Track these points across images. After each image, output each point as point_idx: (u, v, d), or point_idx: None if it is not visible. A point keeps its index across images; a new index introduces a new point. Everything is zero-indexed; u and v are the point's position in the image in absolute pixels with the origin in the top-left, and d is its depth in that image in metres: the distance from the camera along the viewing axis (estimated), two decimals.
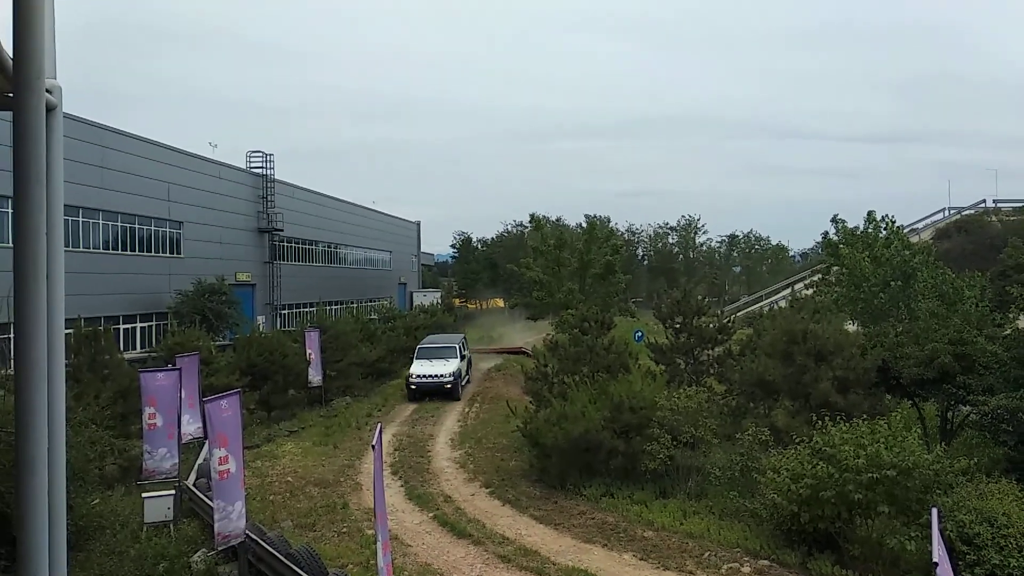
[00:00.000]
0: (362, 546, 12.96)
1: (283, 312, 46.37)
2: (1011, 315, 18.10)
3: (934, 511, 5.10)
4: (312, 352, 25.44)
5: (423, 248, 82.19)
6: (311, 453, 20.30)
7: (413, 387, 27.71)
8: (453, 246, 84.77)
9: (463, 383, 29.37)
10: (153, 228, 35.76)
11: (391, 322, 38.54)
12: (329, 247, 55.91)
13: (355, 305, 50.62)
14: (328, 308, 38.34)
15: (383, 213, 68.38)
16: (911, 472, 11.40)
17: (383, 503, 6.36)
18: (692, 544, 13.10)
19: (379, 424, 7.28)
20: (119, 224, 33.54)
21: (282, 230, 45.87)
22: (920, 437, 13.30)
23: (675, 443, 16.00)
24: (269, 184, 45.09)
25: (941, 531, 6.52)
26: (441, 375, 27.88)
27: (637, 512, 14.81)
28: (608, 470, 16.49)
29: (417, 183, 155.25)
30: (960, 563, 10.61)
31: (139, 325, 33.95)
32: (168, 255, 36.73)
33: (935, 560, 4.67)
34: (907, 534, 11.49)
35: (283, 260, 47.26)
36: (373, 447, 6.52)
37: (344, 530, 14.15)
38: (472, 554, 12.99)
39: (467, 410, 26.19)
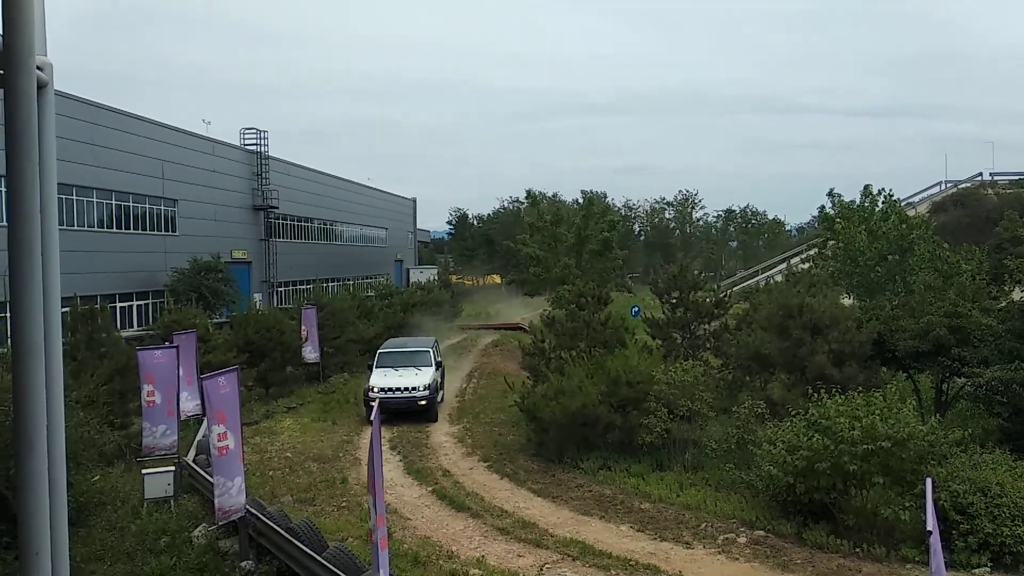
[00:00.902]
0: (361, 520, 13.05)
1: (280, 289, 46.36)
2: (1006, 288, 18.17)
3: (928, 481, 5.15)
4: (309, 329, 25.46)
5: (419, 225, 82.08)
6: (310, 429, 20.39)
7: (373, 404, 21.33)
8: (449, 223, 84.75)
9: (439, 400, 22.44)
10: (147, 206, 35.63)
11: (388, 299, 38.53)
12: (325, 224, 55.77)
13: (352, 282, 50.57)
14: (325, 285, 38.34)
15: (379, 190, 68.15)
16: (906, 443, 11.50)
17: (380, 475, 6.40)
18: (689, 515, 13.23)
19: (377, 398, 7.32)
20: (113, 202, 33.38)
21: (277, 207, 45.72)
22: (915, 409, 13.43)
23: (672, 417, 16.10)
24: (264, 161, 44.87)
25: (935, 501, 6.59)
26: (412, 388, 20.87)
27: (634, 485, 14.93)
28: (605, 444, 16.60)
29: (413, 162, 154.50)
30: (954, 532, 10.76)
31: (135, 303, 33.93)
32: (163, 233, 36.61)
33: (929, 528, 4.73)
34: (901, 504, 11.62)
35: (279, 237, 47.16)
36: (371, 421, 6.55)
37: (343, 504, 14.25)
38: (471, 527, 13.11)
39: (464, 386, 26.28)
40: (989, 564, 10.73)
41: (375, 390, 20.67)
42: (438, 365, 22.55)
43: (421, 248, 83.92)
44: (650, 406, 16.16)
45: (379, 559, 6.35)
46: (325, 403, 23.30)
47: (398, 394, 20.65)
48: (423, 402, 20.91)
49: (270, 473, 16.37)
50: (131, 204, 34.45)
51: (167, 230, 36.92)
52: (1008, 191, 58.51)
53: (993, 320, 15.66)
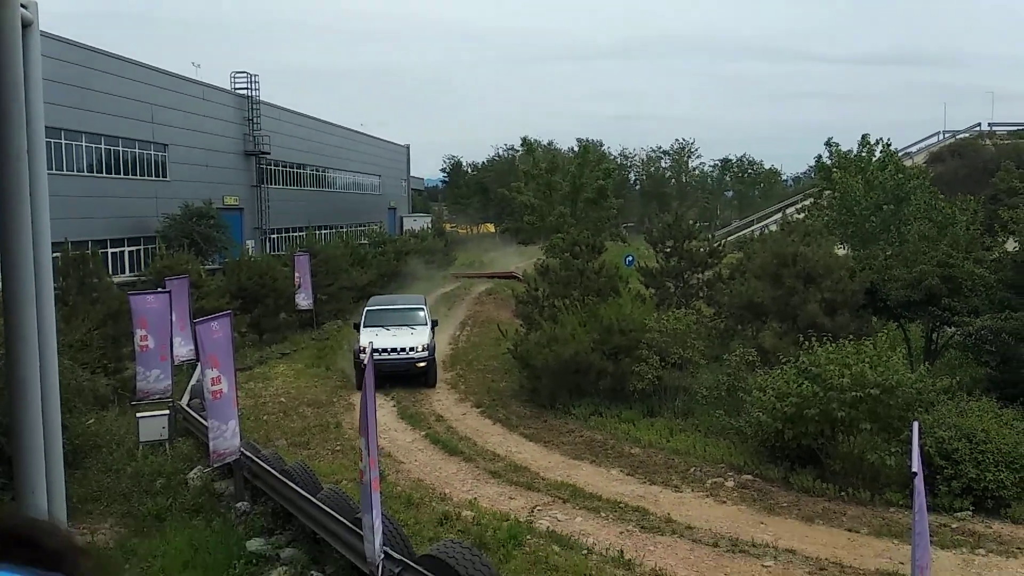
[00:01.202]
0: (356, 463, 13.19)
1: (272, 236, 46.10)
2: (1000, 239, 18.18)
3: (915, 425, 5.20)
4: (302, 276, 25.41)
5: (413, 172, 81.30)
6: (304, 375, 20.51)
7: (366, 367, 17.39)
8: (443, 170, 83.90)
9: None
10: (137, 151, 35.14)
11: (381, 247, 38.43)
12: (317, 171, 55.23)
13: (344, 229, 50.30)
14: (317, 232, 38.16)
15: (372, 136, 67.36)
16: (894, 391, 11.61)
17: (373, 417, 6.44)
18: (678, 460, 13.42)
19: (371, 343, 7.33)
20: (103, 147, 32.92)
21: (269, 153, 45.19)
22: (904, 357, 13.53)
23: (663, 364, 16.23)
24: (255, 106, 44.18)
25: (920, 445, 6.68)
26: (410, 349, 18.82)
27: (625, 430, 15.11)
28: (597, 390, 16.75)
29: (407, 107, 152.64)
30: (938, 477, 10.94)
31: (127, 249, 33.74)
32: (154, 178, 36.21)
33: (914, 470, 4.79)
34: (887, 450, 11.81)
35: (271, 184, 46.73)
36: (363, 365, 6.55)
37: (338, 448, 14.41)
38: (463, 470, 13.28)
39: (458, 333, 26.38)
40: (971, 508, 10.94)
41: (366, 351, 17.99)
42: (433, 325, 20.39)
43: (415, 196, 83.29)
44: (642, 354, 16.27)
45: (370, 500, 6.42)
46: (319, 349, 23.39)
47: (394, 356, 18.44)
48: (422, 364, 18.83)
49: (264, 417, 16.51)
50: (121, 149, 33.98)
51: (158, 175, 36.51)
52: (1006, 142, 58.16)
53: (985, 270, 15.70)
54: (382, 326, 19.51)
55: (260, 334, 24.19)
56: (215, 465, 10.98)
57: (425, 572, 6.80)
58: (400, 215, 70.80)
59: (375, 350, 16.71)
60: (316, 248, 29.10)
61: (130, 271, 32.35)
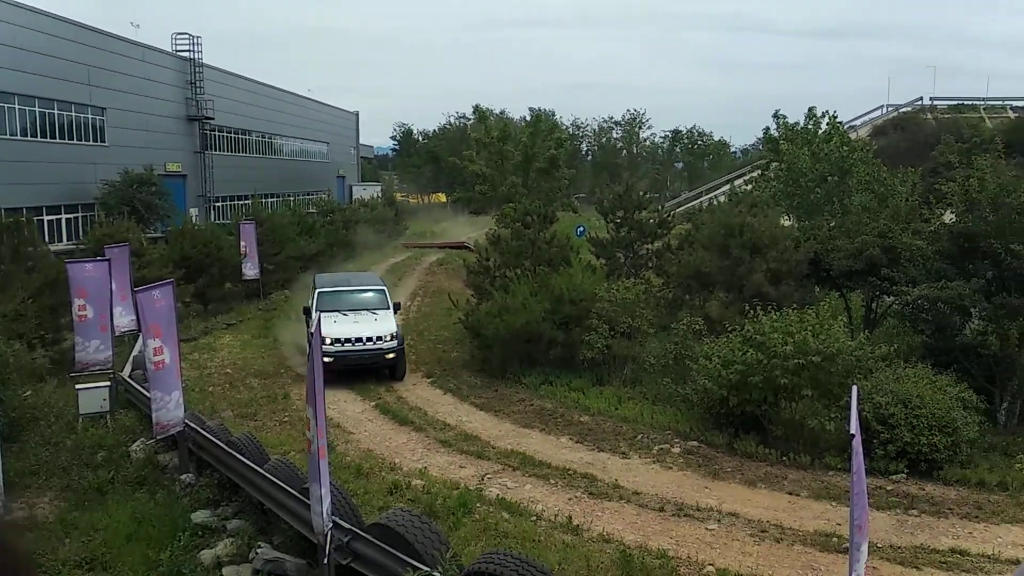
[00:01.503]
0: (303, 433, 13.09)
1: (217, 204, 45.04)
2: (938, 211, 18.68)
3: (854, 388, 5.34)
4: (248, 245, 24.91)
5: (362, 140, 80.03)
6: (250, 346, 20.19)
7: (329, 360, 15.12)
8: (394, 138, 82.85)
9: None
10: (74, 114, 33.86)
11: (330, 216, 37.84)
12: (264, 137, 53.98)
13: (292, 198, 49.40)
14: (264, 201, 37.39)
15: (320, 103, 65.98)
16: (835, 358, 11.94)
17: (321, 387, 6.36)
18: (626, 427, 13.62)
19: (319, 314, 7.21)
20: (37, 109, 31.62)
21: (213, 118, 43.98)
22: (845, 325, 13.88)
23: (613, 333, 16.40)
24: (197, 69, 42.86)
25: (859, 410, 6.87)
26: (378, 339, 16.62)
27: (575, 399, 15.27)
28: (548, 360, 16.86)
29: (355, 72, 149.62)
30: (875, 441, 11.31)
31: (64, 216, 32.62)
32: (91, 143, 34.96)
33: (852, 432, 4.92)
34: (827, 416, 12.16)
35: (215, 150, 45.55)
36: (311, 334, 6.45)
37: (285, 419, 14.25)
38: (414, 440, 13.28)
39: (409, 304, 26.21)
40: (906, 471, 11.37)
41: (327, 342, 15.96)
42: (396, 308, 18.22)
43: (364, 164, 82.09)
44: (592, 323, 16.42)
45: (318, 470, 6.36)
46: (266, 320, 23.04)
47: (359, 346, 16.42)
48: (391, 355, 16.65)
49: (210, 389, 16.23)
50: (56, 112, 32.67)
51: (96, 140, 35.24)
52: (946, 116, 59.70)
53: (923, 242, 16.13)
54: (338, 311, 17.18)
55: (205, 304, 23.70)
56: (158, 437, 10.76)
57: (374, 540, 6.79)
58: (349, 184, 69.75)
59: (336, 340, 16.14)
60: (263, 217, 28.50)
61: (68, 239, 31.32)
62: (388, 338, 16.75)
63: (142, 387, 12.89)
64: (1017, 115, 56.89)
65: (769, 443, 12.26)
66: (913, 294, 14.89)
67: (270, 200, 44.92)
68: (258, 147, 53.23)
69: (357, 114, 75.99)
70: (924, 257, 15.80)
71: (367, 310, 17.55)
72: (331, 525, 6.74)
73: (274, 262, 26.95)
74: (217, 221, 38.16)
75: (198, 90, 42.84)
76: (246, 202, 39.44)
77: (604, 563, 8.30)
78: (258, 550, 8.17)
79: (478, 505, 10.02)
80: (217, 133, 46.10)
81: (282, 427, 13.85)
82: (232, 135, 48.74)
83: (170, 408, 10.42)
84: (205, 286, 23.43)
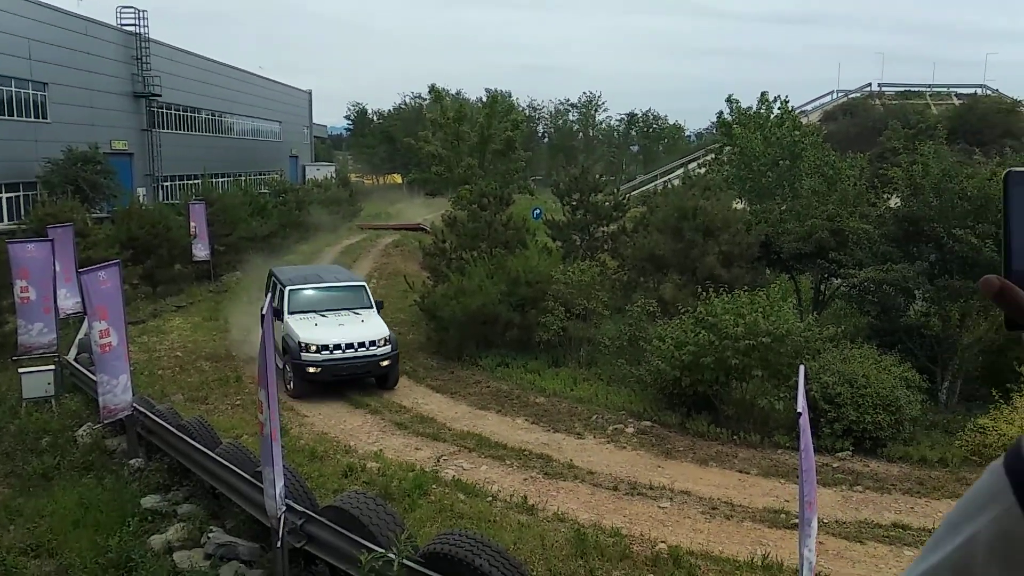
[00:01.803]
0: (256, 416, 12.94)
1: (165, 184, 43.91)
2: (884, 195, 19.14)
3: (801, 368, 5.46)
4: (198, 226, 24.38)
5: (316, 120, 78.71)
6: (201, 328, 19.82)
7: (315, 370, 14.09)
8: (348, 118, 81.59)
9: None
10: (14, 89, 32.60)
11: (282, 196, 37.20)
12: (213, 115, 52.72)
13: (243, 178, 48.40)
14: (214, 180, 36.59)
15: (272, 80, 64.63)
16: (784, 339, 12.19)
17: (272, 368, 6.28)
18: (581, 408, 13.75)
19: (268, 296, 7.10)
20: None
21: (160, 95, 42.75)
22: (794, 307, 14.20)
23: (568, 315, 16.50)
24: (144, 44, 41.56)
25: (806, 389, 7.04)
26: (370, 343, 14.51)
27: (530, 380, 15.35)
28: (504, 342, 16.90)
29: (308, 51, 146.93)
30: (822, 420, 11.61)
31: (4, 195, 31.52)
32: (33, 119, 33.74)
33: (799, 410, 5.04)
34: (777, 395, 12.44)
35: (163, 128, 44.35)
36: (262, 315, 6.36)
37: (238, 402, 14.05)
38: (369, 422, 13.22)
39: None
40: (851, 448, 11.71)
41: (312, 348, 14.06)
42: (379, 306, 15.90)
43: (318, 144, 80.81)
44: (548, 305, 16.50)
45: (271, 453, 6.30)
46: (217, 302, 22.63)
47: (350, 353, 14.19)
48: (386, 362, 14.57)
49: (159, 372, 15.92)
50: None
51: (37, 116, 34.02)
52: (894, 102, 61.04)
53: (870, 225, 16.53)
54: (316, 311, 15.11)
55: (153, 286, 23.17)
56: (106, 421, 10.53)
57: (328, 523, 6.76)
58: (302, 164, 68.64)
59: (322, 346, 14.04)
60: (213, 197, 27.89)
61: (8, 219, 30.27)
62: (382, 342, 14.59)
63: (88, 370, 12.57)
64: (961, 102, 58.41)
65: (720, 422, 12.50)
66: (860, 276, 15.26)
67: (221, 180, 43.95)
68: (208, 125, 52.00)
69: (310, 93, 74.64)
70: (871, 240, 16.19)
71: (347, 310, 15.39)
72: (284, 508, 6.69)
73: (225, 243, 26.45)
74: (166, 201, 37.18)
75: (145, 66, 41.59)
76: (196, 182, 38.46)
77: (558, 541, 8.40)
78: (210, 534, 8.07)
79: (434, 487, 10.04)
80: (165, 111, 44.88)
81: (234, 410, 13.66)
82: (181, 113, 47.51)
83: (117, 392, 10.20)
84: (153, 267, 22.91)
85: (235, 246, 27.05)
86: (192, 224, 24.33)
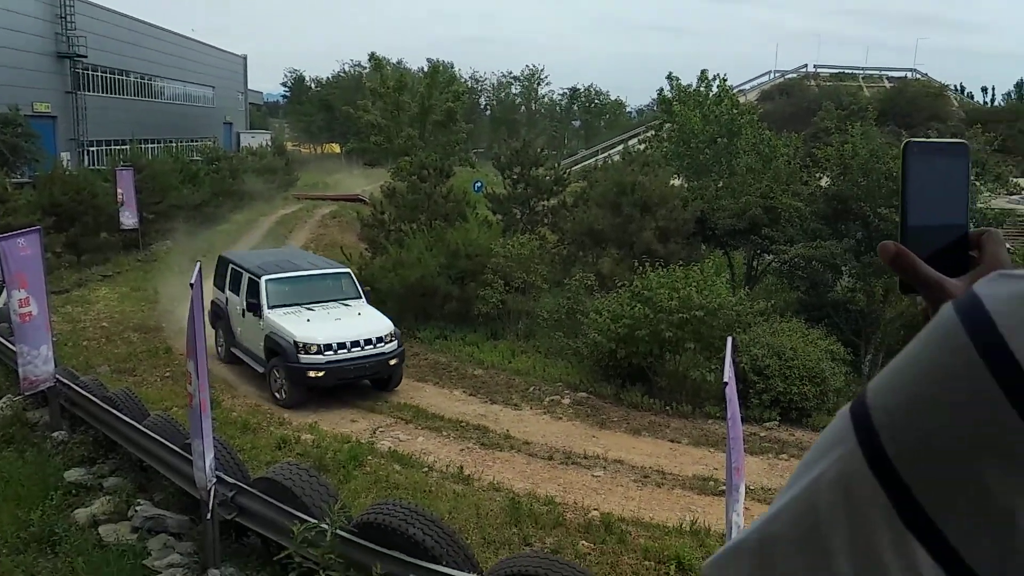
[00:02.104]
0: (185, 388, 12.66)
1: (91, 149, 42.18)
2: (816, 174, 19.67)
3: (729, 340, 5.61)
4: (125, 193, 23.53)
5: (251, 86, 76.48)
6: (129, 298, 19.22)
7: (318, 375, 12.23)
8: (284, 85, 79.56)
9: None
10: None
11: (216, 163, 36.15)
12: (143, 79, 50.74)
13: (175, 144, 46.84)
14: (143, 146, 35.28)
15: (205, 44, 62.46)
16: (716, 313, 12.49)
17: (202, 339, 6.14)
18: (519, 380, 13.86)
19: (199, 262, 6.91)
20: None
21: (86, 56, 40.92)
22: (727, 282, 14.53)
23: (508, 288, 16.56)
24: (68, 2, 39.63)
25: (737, 362, 7.23)
26: (378, 340, 12.76)
27: (469, 352, 15.38)
28: (443, 314, 16.87)
29: (244, 14, 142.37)
30: (751, 391, 11.96)
31: None
32: None
33: (725, 380, 5.17)
34: (708, 367, 12.74)
35: (89, 91, 42.50)
36: (191, 285, 6.19)
37: (167, 374, 13.70)
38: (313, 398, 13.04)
39: None
40: (778, 418, 12.11)
41: (312, 349, 12.19)
42: (368, 295, 14.21)
43: (253, 111, 78.57)
44: (487, 278, 16.51)
45: (200, 425, 6.17)
46: (147, 272, 21.95)
47: (356, 352, 12.42)
48: (394, 361, 12.94)
49: (84, 343, 15.40)
50: None
51: None
52: (828, 83, 62.49)
53: (801, 203, 16.99)
54: (299, 304, 13.18)
55: (78, 255, 22.32)
56: (26, 393, 10.14)
57: (260, 495, 6.68)
58: (237, 131, 66.68)
59: (325, 346, 12.20)
60: (142, 163, 26.90)
61: None
62: (388, 338, 12.87)
63: (7, 341, 12.07)
64: (892, 85, 60.19)
65: (654, 393, 12.76)
66: (790, 253, 15.70)
67: (150, 146, 42.35)
68: (137, 89, 50.03)
69: (245, 58, 72.41)
70: (801, 218, 16.65)
71: (335, 301, 13.57)
72: (215, 480, 6.58)
73: (155, 211, 25.59)
74: (92, 167, 35.74)
75: (69, 25, 39.70)
76: (124, 147, 37.09)
77: (493, 510, 8.48)
78: (137, 507, 7.88)
79: (370, 458, 10.00)
80: (91, 73, 42.97)
81: (164, 382, 13.32)
82: (108, 75, 45.56)
83: (39, 363, 9.83)
84: (78, 235, 22.04)
85: (165, 214, 26.21)
86: (119, 191, 23.47)
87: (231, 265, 14.54)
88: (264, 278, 13.29)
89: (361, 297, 13.94)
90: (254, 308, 13.13)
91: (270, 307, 12.98)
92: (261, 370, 13.07)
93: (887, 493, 0.35)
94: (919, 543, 0.34)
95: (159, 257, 23.86)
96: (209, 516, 6.51)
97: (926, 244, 0.68)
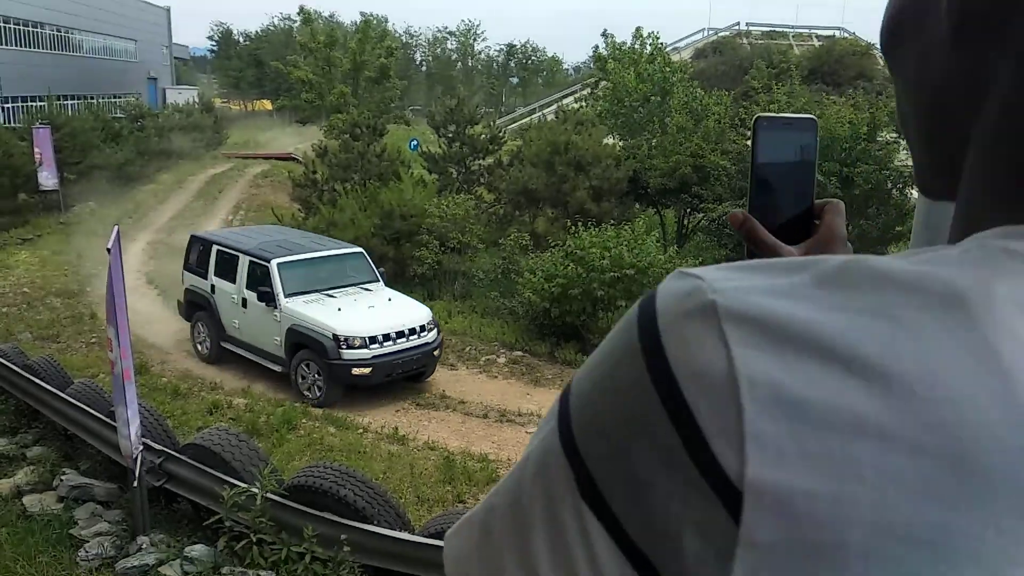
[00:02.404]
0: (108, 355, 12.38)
1: (5, 106, 40.10)
2: (745, 133, 20.05)
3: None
4: (43, 152, 22.55)
5: (176, 40, 73.42)
6: (51, 263, 18.56)
7: (364, 371, 10.90)
8: (211, 39, 76.65)
9: None
10: None
11: (140, 121, 34.82)
12: (59, 31, 48.20)
13: (95, 101, 44.83)
14: (61, 103, 33.71)
15: None
16: (647, 271, 12.76)
17: (123, 304, 6.03)
18: (455, 340, 13.94)
19: (116, 226, 6.72)
20: None
21: None
22: (658, 240, 14.81)
23: (443, 249, 16.54)
24: None
25: None
26: (420, 330, 11.59)
27: None
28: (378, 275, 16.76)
29: None
30: None
31: None
32: None
33: None
34: None
35: (1, 45, 40.24)
36: (108, 250, 6.05)
37: (93, 340, 13.35)
38: (235, 359, 12.87)
39: (231, 219, 24.96)
40: None
41: (356, 343, 10.91)
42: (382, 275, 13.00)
43: (179, 66, 75.60)
44: (423, 239, 16.47)
45: (124, 392, 6.09)
46: (69, 235, 21.17)
47: (402, 344, 11.22)
48: (437, 351, 11.85)
49: (4, 310, 14.88)
50: None
51: None
52: (760, 41, 63.22)
53: (729, 162, 17.34)
54: (319, 291, 11.83)
55: None
56: None
57: (188, 460, 6.66)
58: (162, 87, 64.11)
59: (371, 339, 10.92)
60: (60, 121, 25.75)
61: None
62: (429, 326, 11.72)
63: None
64: (821, 44, 61.26)
65: (587, 351, 13.00)
66: (718, 211, 16.06)
67: (69, 103, 40.48)
68: (52, 42, 47.53)
69: (168, 10, 69.26)
70: (729, 176, 17.01)
71: (355, 286, 12.27)
72: (141, 447, 6.52)
73: (76, 171, 24.60)
74: (6, 124, 34.02)
75: None
76: (41, 104, 35.37)
77: (427, 469, 8.62)
78: (63, 477, 7.76)
79: (303, 421, 10.01)
80: (3, 25, 40.65)
81: (89, 349, 13.00)
82: (20, 27, 43.14)
83: None
84: None
85: (87, 175, 25.21)
86: (37, 150, 22.49)
87: (217, 247, 12.64)
88: (274, 262, 11.68)
89: (379, 280, 12.67)
90: (266, 297, 11.57)
91: (287, 295, 11.50)
92: (278, 369, 11.67)
93: (570, 465, 0.41)
94: (591, 511, 0.40)
95: (82, 219, 23.00)
96: (136, 483, 6.46)
97: (774, 214, 0.75)
